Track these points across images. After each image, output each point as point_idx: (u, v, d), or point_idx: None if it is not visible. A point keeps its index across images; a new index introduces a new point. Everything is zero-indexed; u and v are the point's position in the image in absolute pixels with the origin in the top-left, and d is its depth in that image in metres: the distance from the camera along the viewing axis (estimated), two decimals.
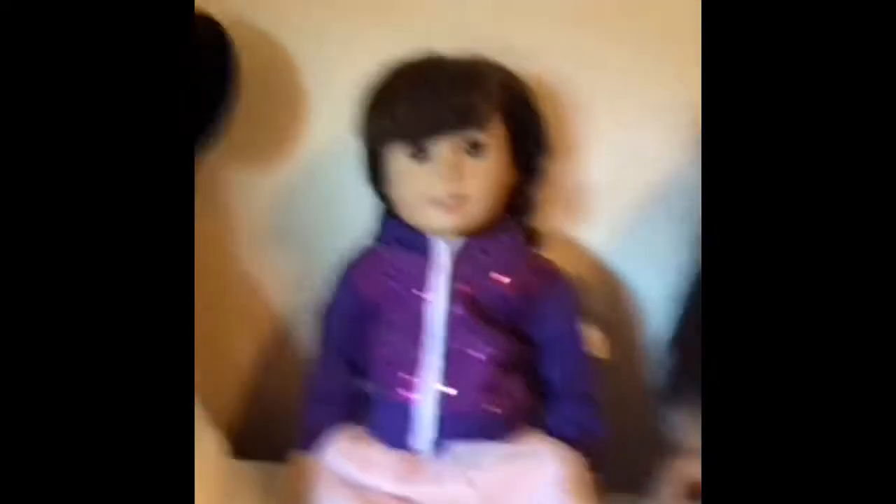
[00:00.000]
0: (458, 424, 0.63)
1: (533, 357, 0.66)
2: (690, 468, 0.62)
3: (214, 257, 0.76)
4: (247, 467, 0.70)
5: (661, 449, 0.65)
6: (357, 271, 0.68)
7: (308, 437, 0.66)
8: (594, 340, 0.69)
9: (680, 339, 0.66)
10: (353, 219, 0.72)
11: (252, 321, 0.80)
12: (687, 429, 0.65)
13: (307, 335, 0.72)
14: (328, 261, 0.70)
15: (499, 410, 0.63)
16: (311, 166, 0.75)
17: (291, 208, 0.76)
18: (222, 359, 0.79)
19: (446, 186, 0.62)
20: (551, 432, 0.65)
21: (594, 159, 0.73)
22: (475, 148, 0.63)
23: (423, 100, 0.62)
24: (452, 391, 0.63)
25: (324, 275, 0.70)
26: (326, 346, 0.69)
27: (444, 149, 0.63)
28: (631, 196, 0.73)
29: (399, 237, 0.67)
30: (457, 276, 0.64)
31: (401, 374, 0.64)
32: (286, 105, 0.74)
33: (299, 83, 0.74)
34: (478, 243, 0.65)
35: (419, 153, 0.63)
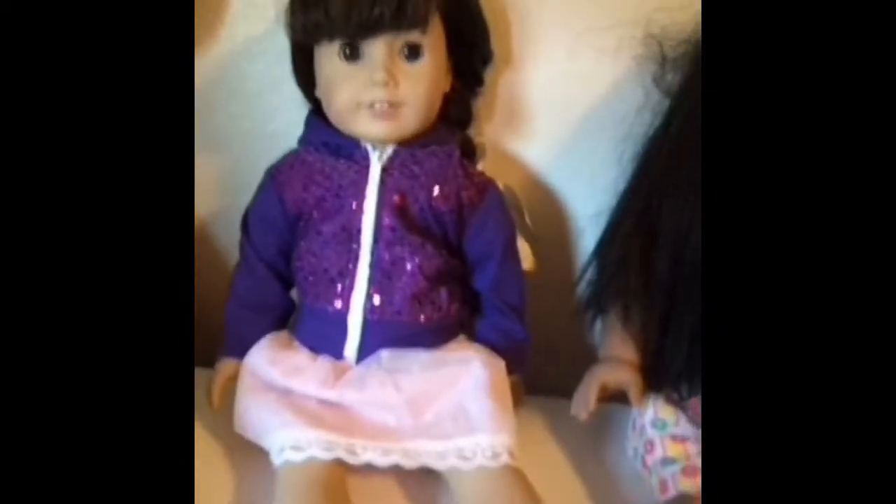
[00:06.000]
0: (385, 333, 0.62)
1: (464, 270, 0.66)
2: (605, 373, 0.63)
3: None
4: None
5: (586, 358, 0.67)
6: (281, 176, 0.65)
7: (232, 343, 0.65)
8: (522, 252, 0.69)
9: (602, 252, 0.67)
10: (274, 119, 0.69)
11: None
12: (605, 339, 0.67)
13: (231, 240, 0.70)
14: (249, 163, 0.67)
15: (423, 320, 0.63)
16: (228, 63, 0.71)
17: (208, 108, 0.71)
18: None
19: (381, 93, 0.60)
20: (478, 339, 0.66)
21: (535, 72, 0.71)
22: (412, 51, 0.61)
23: None
24: (379, 301, 0.62)
25: (245, 177, 0.67)
26: (248, 251, 0.66)
27: (379, 50, 0.60)
28: (569, 112, 0.72)
29: (326, 142, 0.64)
30: (387, 185, 0.62)
31: (329, 283, 0.63)
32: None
33: None
34: (410, 152, 0.63)
35: (353, 53, 0.60)
